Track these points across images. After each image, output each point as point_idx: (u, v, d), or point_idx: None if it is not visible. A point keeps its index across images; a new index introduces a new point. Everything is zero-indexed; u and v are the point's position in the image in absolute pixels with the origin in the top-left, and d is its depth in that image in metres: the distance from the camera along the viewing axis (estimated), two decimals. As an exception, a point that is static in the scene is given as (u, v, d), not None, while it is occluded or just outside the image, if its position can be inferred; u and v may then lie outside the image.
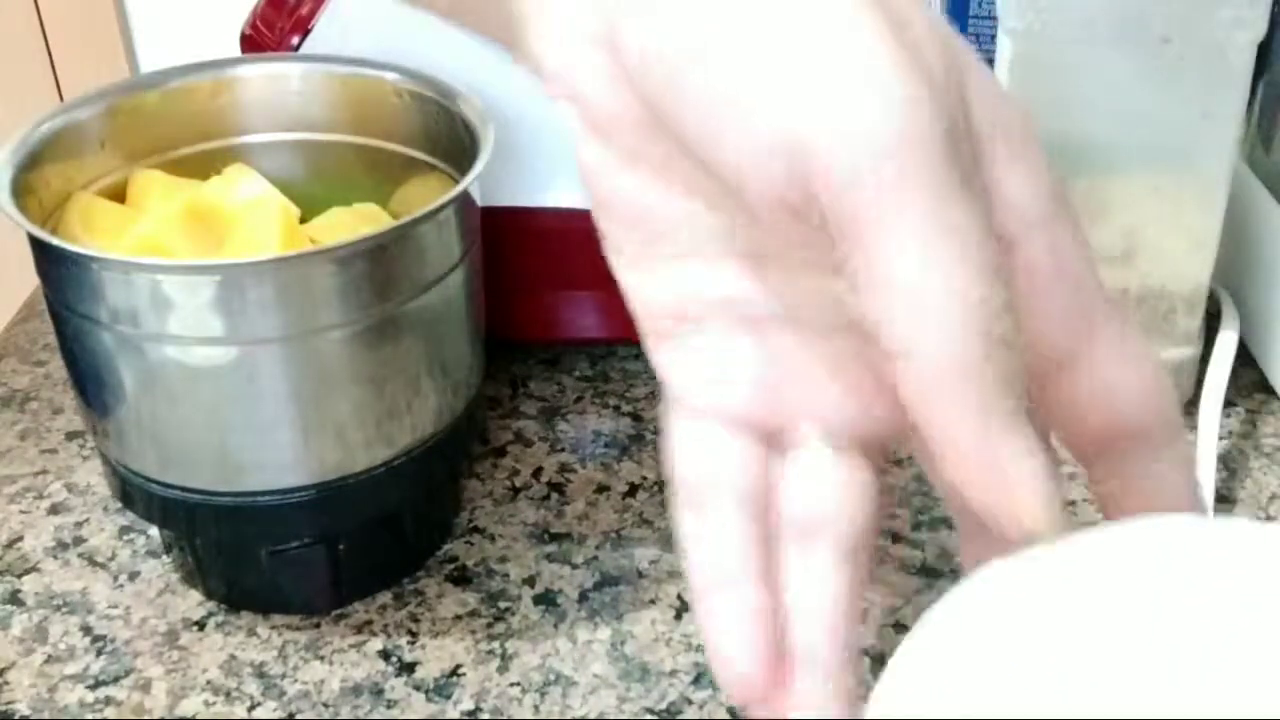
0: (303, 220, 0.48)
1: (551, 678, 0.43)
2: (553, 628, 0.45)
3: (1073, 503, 0.49)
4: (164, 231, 0.44)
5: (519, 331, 0.56)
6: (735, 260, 0.30)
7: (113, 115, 0.47)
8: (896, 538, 0.48)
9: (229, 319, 0.39)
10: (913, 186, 0.24)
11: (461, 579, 0.47)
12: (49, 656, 0.44)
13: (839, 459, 0.33)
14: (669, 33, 0.26)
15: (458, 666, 0.43)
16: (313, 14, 0.56)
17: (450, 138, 0.46)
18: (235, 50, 0.57)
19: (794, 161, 0.25)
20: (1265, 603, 0.41)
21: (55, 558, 0.48)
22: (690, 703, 0.42)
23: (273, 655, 0.44)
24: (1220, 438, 0.51)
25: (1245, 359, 0.55)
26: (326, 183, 0.49)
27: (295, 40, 0.56)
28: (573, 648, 0.44)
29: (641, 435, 0.53)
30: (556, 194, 0.53)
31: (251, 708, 0.42)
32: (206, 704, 0.42)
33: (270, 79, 0.49)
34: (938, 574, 0.46)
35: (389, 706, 0.42)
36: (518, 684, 0.43)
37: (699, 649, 0.44)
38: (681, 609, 0.45)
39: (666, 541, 0.48)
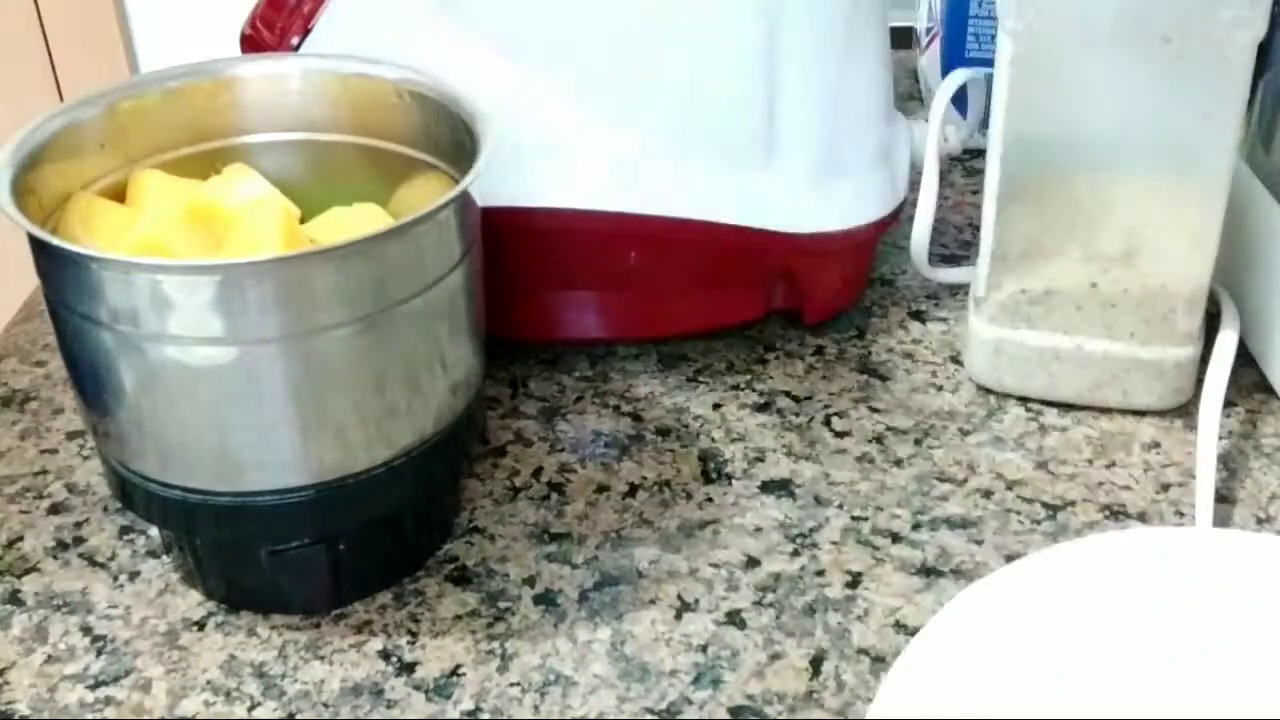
0: (303, 220, 0.48)
1: (551, 678, 0.43)
2: (553, 628, 0.45)
3: (1072, 503, 0.49)
4: (164, 231, 0.44)
5: (519, 331, 0.56)
6: None
7: (113, 115, 0.47)
8: (896, 538, 0.48)
9: (229, 319, 0.39)
10: None
11: (461, 579, 0.47)
12: (49, 656, 0.44)
13: None
14: None
15: (458, 666, 0.43)
16: (313, 14, 0.56)
17: (450, 138, 0.46)
18: (235, 50, 0.57)
19: None
20: (1261, 608, 0.41)
21: (55, 558, 0.48)
22: (690, 703, 0.42)
23: (273, 655, 0.44)
24: (1220, 438, 0.51)
25: (1245, 359, 0.55)
26: (326, 183, 0.49)
27: (295, 40, 0.56)
28: (573, 648, 0.44)
29: (641, 435, 0.53)
30: (556, 194, 0.53)
31: (251, 708, 0.42)
32: (206, 704, 0.42)
33: (270, 79, 0.49)
34: (938, 574, 0.46)
35: (389, 706, 0.42)
36: (518, 684, 0.43)
37: (699, 649, 0.44)
38: (681, 609, 0.45)
39: (666, 541, 0.48)
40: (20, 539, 0.49)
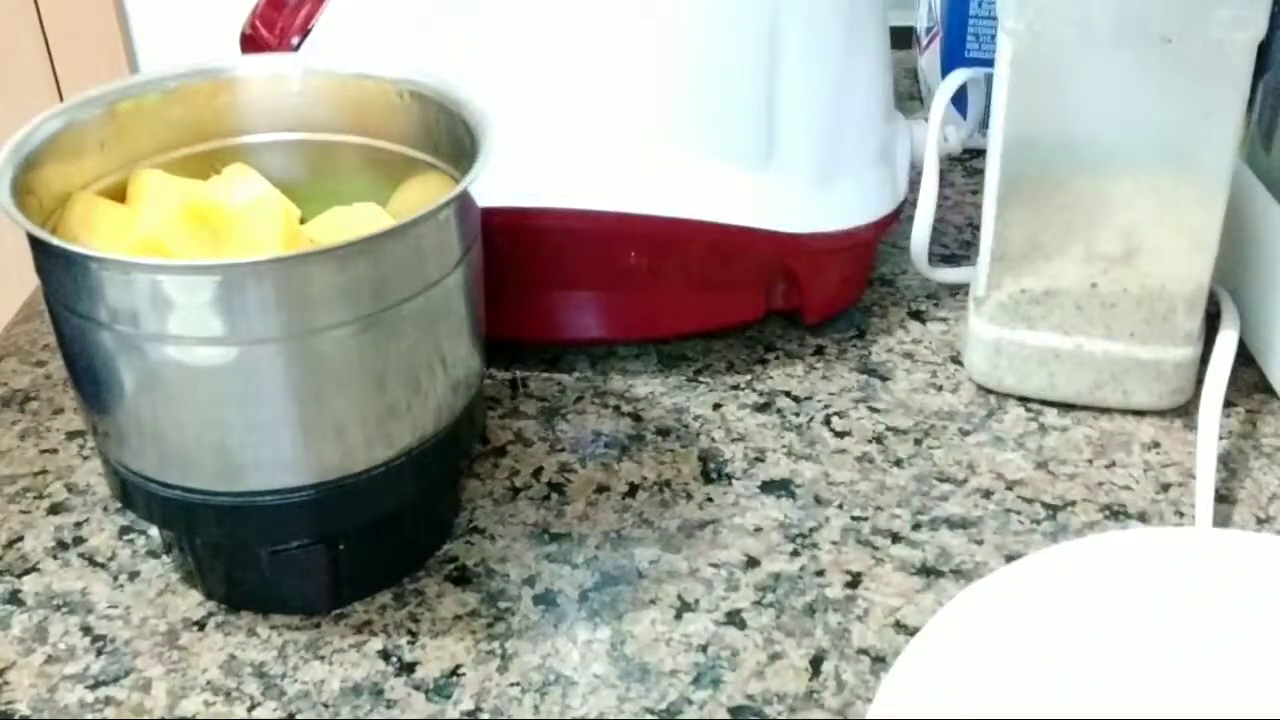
0: (303, 220, 0.48)
1: (551, 678, 0.43)
2: (553, 628, 0.45)
3: (1072, 503, 0.49)
4: (164, 231, 0.44)
5: (519, 331, 0.56)
6: None
7: (113, 115, 0.47)
8: (896, 538, 0.48)
9: (229, 319, 0.39)
10: None
11: (461, 579, 0.47)
12: (49, 656, 0.44)
13: None
14: None
15: (458, 666, 0.43)
16: (313, 14, 0.56)
17: (450, 138, 0.46)
18: (235, 50, 0.57)
19: None
20: (1261, 608, 0.41)
21: (55, 558, 0.48)
22: (690, 703, 0.42)
23: (273, 655, 0.44)
24: (1220, 438, 0.51)
25: (1245, 359, 0.55)
26: (326, 183, 0.49)
27: (295, 40, 0.56)
28: (573, 648, 0.44)
29: (641, 435, 0.53)
30: (556, 194, 0.53)
31: (251, 708, 0.42)
32: (206, 704, 0.42)
33: (270, 79, 0.49)
34: (938, 574, 0.46)
35: (389, 706, 0.42)
36: (518, 684, 0.43)
37: (699, 649, 0.44)
38: (681, 609, 0.45)
39: (667, 541, 0.48)
40: (20, 539, 0.49)
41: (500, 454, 0.52)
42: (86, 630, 0.45)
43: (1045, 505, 0.49)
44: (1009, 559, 0.47)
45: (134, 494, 0.44)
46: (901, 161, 0.60)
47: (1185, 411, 0.53)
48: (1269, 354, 0.54)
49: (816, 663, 0.43)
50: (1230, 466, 0.51)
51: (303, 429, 0.41)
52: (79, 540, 0.49)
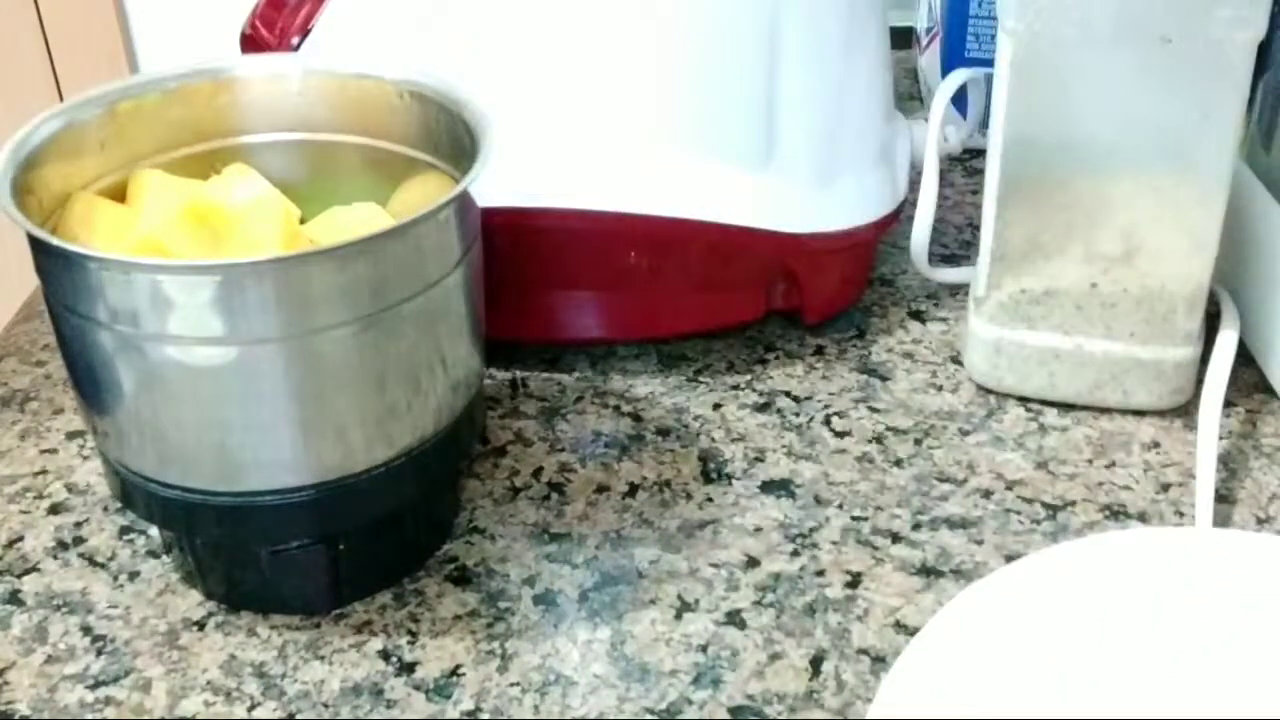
0: (303, 220, 0.48)
1: (551, 678, 0.43)
2: (553, 628, 0.45)
3: (1072, 503, 0.49)
4: (164, 231, 0.44)
5: (519, 331, 0.56)
6: None
7: (113, 115, 0.47)
8: (896, 538, 0.48)
9: (229, 319, 0.39)
10: None
11: (461, 579, 0.47)
12: (49, 656, 0.44)
13: None
14: None
15: (458, 666, 0.43)
16: (313, 14, 0.56)
17: (450, 138, 0.46)
18: (235, 50, 0.57)
19: None
20: (1261, 608, 0.41)
21: (55, 558, 0.48)
22: (690, 703, 0.42)
23: (273, 655, 0.44)
24: (1220, 438, 0.51)
25: (1245, 359, 0.55)
26: (326, 183, 0.49)
27: (295, 40, 0.56)
28: (573, 648, 0.44)
29: (641, 435, 0.53)
30: (556, 194, 0.53)
31: (251, 708, 0.42)
32: (206, 704, 0.42)
33: (270, 79, 0.49)
34: (938, 574, 0.46)
35: (389, 706, 0.42)
36: (518, 684, 0.43)
37: (699, 649, 0.44)
38: (681, 609, 0.45)
39: (667, 541, 0.48)
40: (20, 539, 0.49)
41: (500, 454, 0.52)
42: (86, 630, 0.45)
43: (1045, 505, 0.49)
44: (1009, 559, 0.47)
45: (134, 494, 0.44)
46: (901, 161, 0.60)
47: (1185, 411, 0.53)
48: (1269, 354, 0.54)
49: (816, 663, 0.43)
50: (1230, 466, 0.51)
51: (303, 429, 0.41)
52: (79, 540, 0.49)
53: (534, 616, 0.45)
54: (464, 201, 0.43)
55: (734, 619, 0.45)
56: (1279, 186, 0.53)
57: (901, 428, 0.53)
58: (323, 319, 0.40)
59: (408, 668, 0.43)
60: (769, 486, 0.50)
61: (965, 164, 0.73)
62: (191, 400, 0.40)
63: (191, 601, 0.46)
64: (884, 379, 0.56)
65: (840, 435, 0.53)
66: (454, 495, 0.50)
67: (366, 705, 0.42)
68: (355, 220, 0.48)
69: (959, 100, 0.63)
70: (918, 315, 0.60)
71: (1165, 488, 0.50)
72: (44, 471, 0.52)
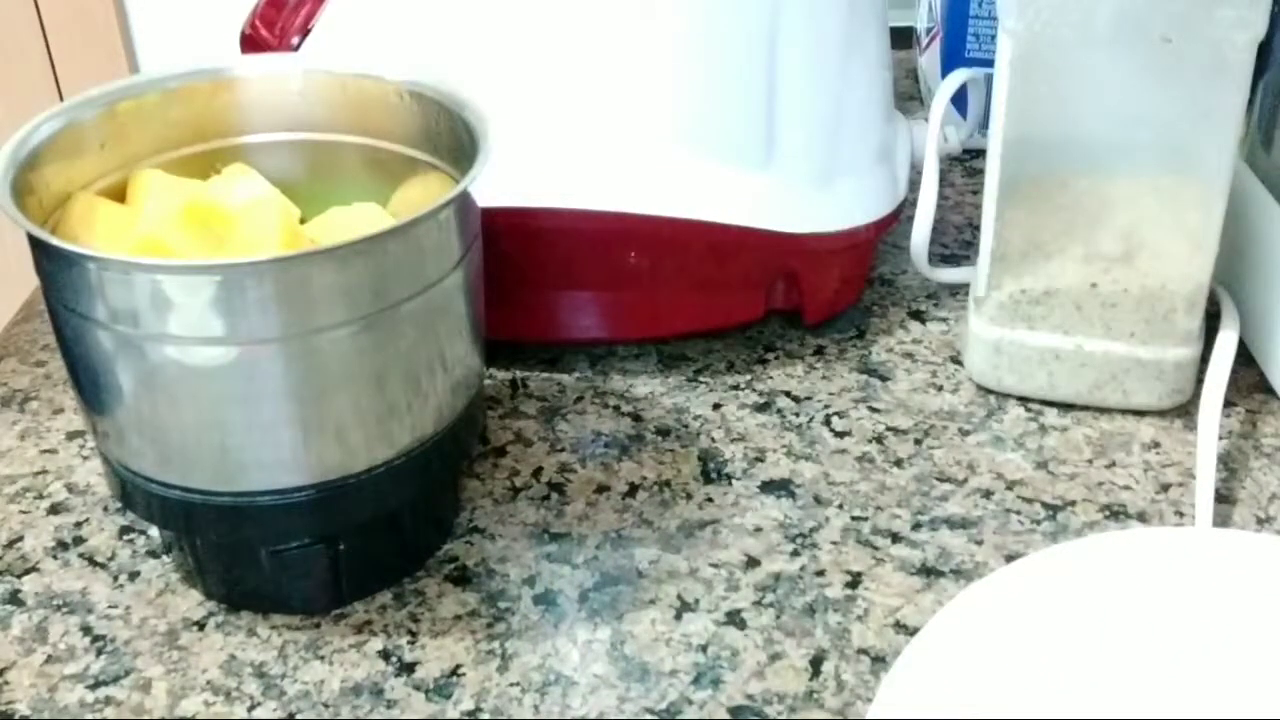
0: (303, 220, 0.48)
1: (551, 678, 0.43)
2: (553, 628, 0.45)
3: (1072, 503, 0.49)
4: (164, 231, 0.44)
5: (519, 331, 0.56)
6: None
7: (113, 115, 0.47)
8: (896, 538, 0.48)
9: (229, 319, 0.39)
10: None
11: (461, 579, 0.47)
12: (49, 656, 0.44)
13: None
14: None
15: (458, 666, 0.43)
16: (313, 14, 0.56)
17: (450, 138, 0.46)
18: (235, 50, 0.57)
19: None
20: (1261, 608, 0.41)
21: (55, 558, 0.48)
22: (690, 703, 0.42)
23: (273, 655, 0.44)
24: (1220, 438, 0.51)
25: (1245, 359, 0.55)
26: (326, 183, 0.49)
27: (295, 40, 0.56)
28: (573, 648, 0.44)
29: (641, 435, 0.53)
30: (556, 194, 0.53)
31: (251, 708, 0.42)
32: (206, 704, 0.42)
33: (270, 79, 0.49)
34: (938, 574, 0.46)
35: (389, 706, 0.42)
36: (518, 684, 0.43)
37: (699, 649, 0.44)
38: (681, 609, 0.45)
39: (666, 541, 0.48)
40: (20, 539, 0.49)
41: (500, 454, 0.52)
42: (86, 630, 0.45)
43: (1045, 505, 0.49)
44: (1009, 559, 0.47)
45: (134, 494, 0.44)
46: (901, 161, 0.60)
47: (1185, 411, 0.53)
48: (1269, 354, 0.54)
49: (816, 663, 0.43)
50: (1230, 466, 0.51)
51: (303, 429, 0.41)
52: (79, 540, 0.49)
53: (534, 616, 0.45)
54: (464, 201, 0.43)
55: (734, 619, 0.45)
56: (1279, 187, 0.53)
57: (901, 428, 0.53)
58: (323, 319, 0.40)
59: (408, 668, 0.43)
60: (769, 486, 0.50)
61: (965, 164, 0.73)
62: (191, 400, 0.40)
63: (191, 601, 0.46)
64: (884, 379, 0.56)
65: (840, 435, 0.53)
66: (454, 495, 0.50)
67: (366, 705, 0.42)
68: (355, 220, 0.48)
69: (959, 100, 0.63)
70: (918, 315, 0.60)
71: (1165, 488, 0.50)
72: (44, 471, 0.52)
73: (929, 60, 0.77)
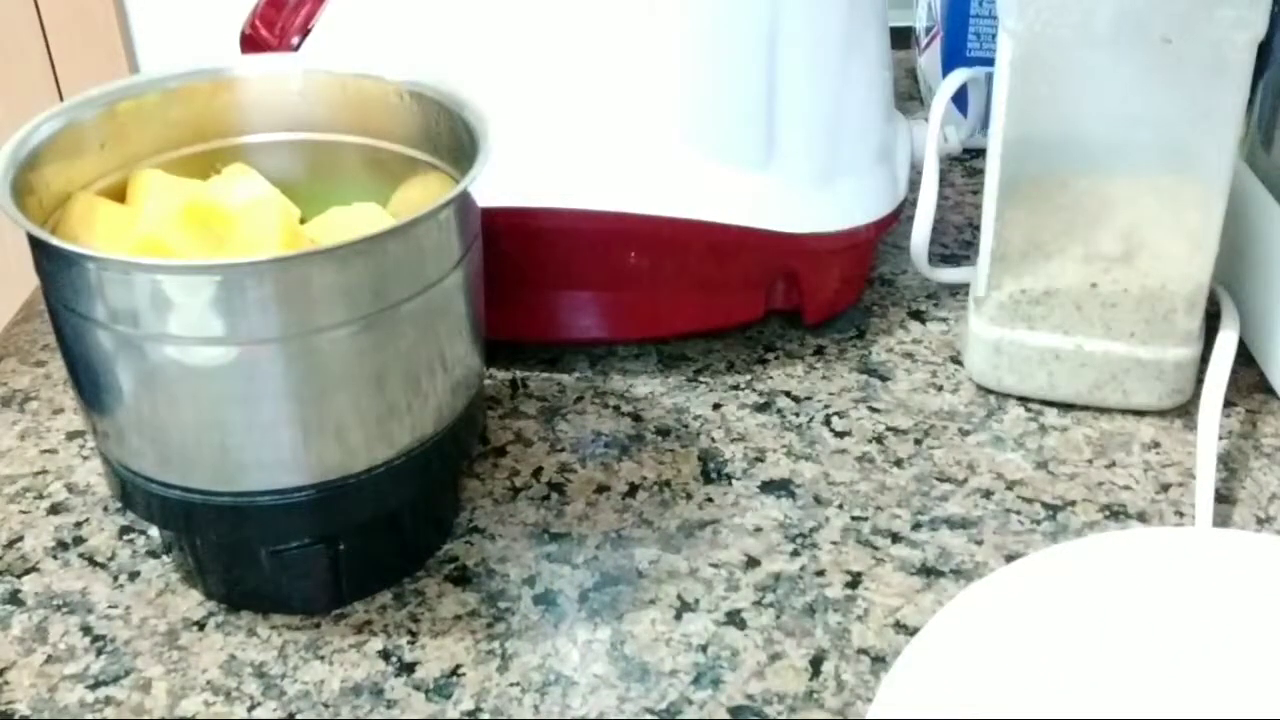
0: (303, 220, 0.48)
1: (551, 678, 0.43)
2: (553, 628, 0.45)
3: (1072, 503, 0.49)
4: (164, 231, 0.44)
5: (519, 331, 0.56)
6: None
7: (113, 115, 0.47)
8: (896, 538, 0.48)
9: (229, 319, 0.39)
10: None
11: (461, 579, 0.47)
12: (49, 656, 0.44)
13: None
14: None
15: (458, 666, 0.43)
16: (313, 14, 0.56)
17: (450, 138, 0.46)
18: (235, 50, 0.57)
19: None
20: (1261, 608, 0.41)
21: (55, 558, 0.48)
22: (690, 703, 0.42)
23: (273, 655, 0.44)
24: (1220, 438, 0.51)
25: (1245, 359, 0.55)
26: (326, 183, 0.49)
27: (295, 40, 0.56)
28: (573, 648, 0.44)
29: (641, 435, 0.53)
30: (556, 194, 0.53)
31: (251, 708, 0.42)
32: (206, 704, 0.42)
33: (270, 79, 0.49)
34: (938, 574, 0.46)
35: (389, 706, 0.42)
36: (518, 684, 0.43)
37: (699, 649, 0.44)
38: (681, 609, 0.45)
39: (666, 541, 0.48)
40: (20, 539, 0.49)
41: (500, 454, 0.52)
42: (86, 630, 0.45)
43: (1045, 505, 0.49)
44: (1009, 559, 0.47)
45: (134, 494, 0.44)
46: (901, 161, 0.60)
47: (1185, 411, 0.53)
48: (1269, 354, 0.54)
49: (816, 663, 0.43)
50: (1230, 466, 0.51)
51: (303, 429, 0.41)
52: (79, 540, 0.49)
53: (534, 616, 0.45)
54: (464, 201, 0.43)
55: (734, 619, 0.45)
56: (1279, 187, 0.53)
57: (901, 428, 0.53)
58: (323, 319, 0.40)
59: (408, 668, 0.43)
60: (769, 486, 0.50)
61: (965, 164, 0.73)
62: (191, 400, 0.40)
63: (191, 601, 0.46)
64: (884, 379, 0.56)
65: (840, 435, 0.53)
66: (454, 495, 0.50)
67: (366, 705, 0.42)
68: (355, 220, 0.48)
69: (959, 99, 0.63)
70: (918, 315, 0.60)
71: (1165, 488, 0.50)
72: (44, 471, 0.52)
73: (929, 60, 0.77)
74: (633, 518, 0.49)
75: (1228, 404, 0.53)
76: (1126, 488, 0.50)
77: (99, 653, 0.44)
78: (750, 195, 0.54)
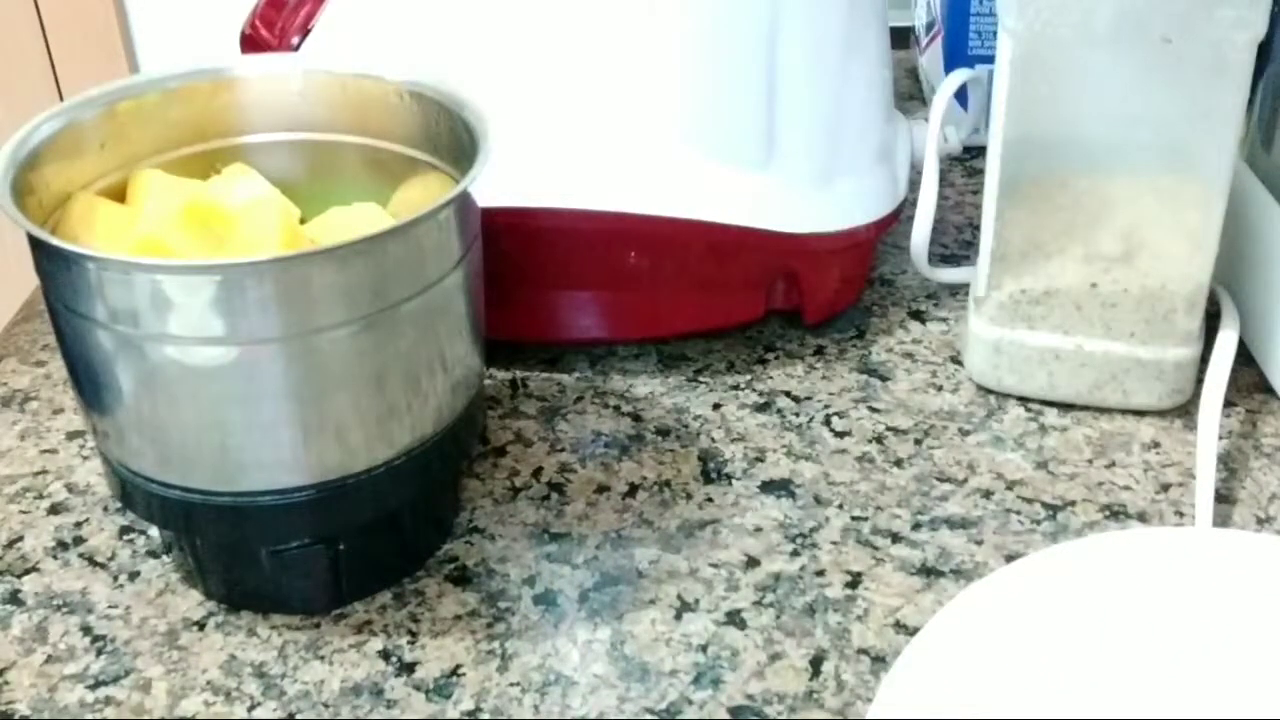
0: (303, 220, 0.48)
1: (551, 678, 0.43)
2: (553, 628, 0.45)
3: (1072, 503, 0.49)
4: (164, 231, 0.44)
5: (519, 331, 0.56)
6: None
7: (113, 115, 0.47)
8: (896, 538, 0.48)
9: (229, 319, 0.39)
10: None
11: (461, 579, 0.47)
12: (49, 656, 0.44)
13: None
14: None
15: (458, 666, 0.43)
16: (313, 14, 0.56)
17: (450, 138, 0.46)
18: (235, 50, 0.57)
19: None
20: (1261, 608, 0.41)
21: (55, 558, 0.48)
22: (690, 703, 0.42)
23: (273, 655, 0.44)
24: (1220, 438, 0.51)
25: (1245, 359, 0.55)
26: (326, 183, 0.49)
27: (295, 40, 0.56)
28: (573, 648, 0.44)
29: (641, 435, 0.53)
30: (556, 194, 0.53)
31: (251, 708, 0.42)
32: (206, 704, 0.42)
33: (270, 79, 0.49)
34: (938, 574, 0.46)
35: (389, 706, 0.42)
36: (518, 684, 0.43)
37: (699, 649, 0.44)
38: (681, 609, 0.45)
39: (666, 541, 0.48)
40: (20, 539, 0.49)
41: (500, 454, 0.52)
42: (86, 630, 0.45)
43: (1045, 505, 0.49)
44: (1009, 559, 0.47)
45: (134, 494, 0.44)
46: (901, 161, 0.60)
47: (1185, 411, 0.53)
48: (1269, 354, 0.54)
49: (816, 663, 0.43)
50: (1230, 466, 0.51)
51: (303, 429, 0.41)
52: (79, 540, 0.49)
53: (534, 616, 0.45)
54: (464, 201, 0.43)
55: (734, 619, 0.45)
56: (1279, 187, 0.53)
57: (901, 428, 0.53)
58: (323, 319, 0.40)
59: (408, 668, 0.43)
60: (769, 486, 0.50)
61: (965, 164, 0.73)
62: (191, 400, 0.40)
63: (191, 601, 0.46)
64: (884, 379, 0.56)
65: (840, 435, 0.53)
66: (454, 495, 0.50)
67: (366, 705, 0.42)
68: (355, 220, 0.48)
69: (959, 96, 0.63)
70: (918, 315, 0.60)
71: (1165, 488, 0.50)
72: (44, 471, 0.52)
73: (930, 59, 0.77)
74: (633, 518, 0.49)
75: (1228, 404, 0.53)
76: (1126, 488, 0.50)
77: (99, 653, 0.44)
78: (750, 195, 0.54)
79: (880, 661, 0.43)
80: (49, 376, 0.58)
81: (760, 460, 0.52)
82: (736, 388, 0.56)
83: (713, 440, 0.53)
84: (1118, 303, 0.52)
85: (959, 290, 0.62)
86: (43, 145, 0.44)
